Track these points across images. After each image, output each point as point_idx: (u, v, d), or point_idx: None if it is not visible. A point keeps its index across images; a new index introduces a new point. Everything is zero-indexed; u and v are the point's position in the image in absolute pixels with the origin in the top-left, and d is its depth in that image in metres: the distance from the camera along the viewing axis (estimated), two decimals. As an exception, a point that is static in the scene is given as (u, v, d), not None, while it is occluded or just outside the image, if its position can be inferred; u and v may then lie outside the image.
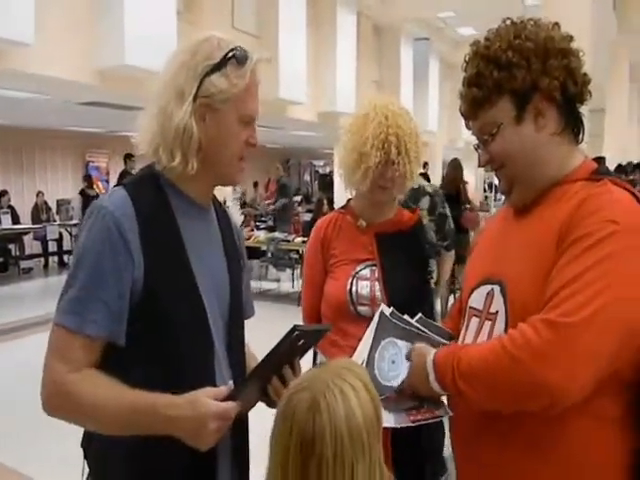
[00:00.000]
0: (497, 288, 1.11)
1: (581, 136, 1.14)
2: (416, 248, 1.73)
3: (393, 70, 13.37)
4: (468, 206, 6.31)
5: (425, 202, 3.24)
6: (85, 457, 1.16)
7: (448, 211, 3.36)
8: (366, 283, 1.62)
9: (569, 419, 1.00)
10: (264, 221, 10.71)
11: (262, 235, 8.17)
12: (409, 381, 1.19)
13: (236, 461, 1.21)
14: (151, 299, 1.07)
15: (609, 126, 11.67)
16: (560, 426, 1.01)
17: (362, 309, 1.60)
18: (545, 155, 1.10)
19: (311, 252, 1.78)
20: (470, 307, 1.20)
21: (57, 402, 1.05)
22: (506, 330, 1.07)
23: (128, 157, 9.27)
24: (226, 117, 1.13)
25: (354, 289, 1.62)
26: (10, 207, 10.37)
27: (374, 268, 1.64)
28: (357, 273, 1.64)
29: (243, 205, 11.70)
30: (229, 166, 1.18)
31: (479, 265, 1.24)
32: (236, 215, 9.69)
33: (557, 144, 1.11)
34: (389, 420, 1.19)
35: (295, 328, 1.01)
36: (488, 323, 1.13)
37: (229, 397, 1.02)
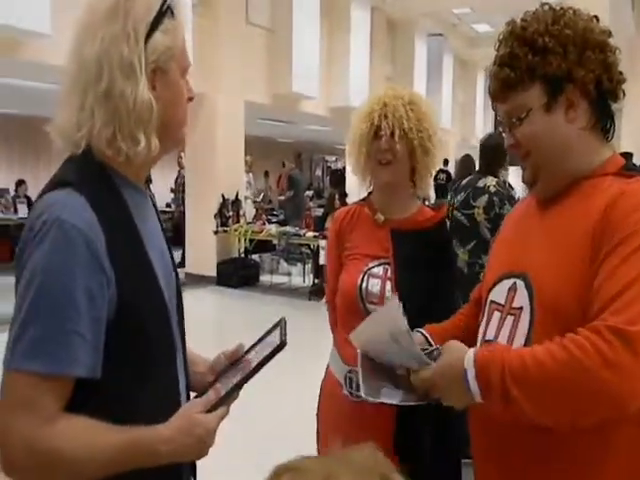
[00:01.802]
0: (521, 283, 1.08)
1: (611, 134, 1.11)
2: (436, 248, 1.63)
3: (406, 66, 13.31)
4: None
5: (483, 200, 3.31)
6: None
7: (506, 211, 3.36)
8: (377, 281, 1.57)
9: (614, 427, 0.97)
10: (275, 215, 10.74)
11: (274, 229, 8.19)
12: (434, 380, 1.06)
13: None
14: (126, 313, 0.93)
15: (627, 125, 11.54)
16: (605, 434, 0.97)
17: (371, 307, 1.54)
18: (572, 148, 1.08)
19: (329, 243, 1.76)
20: (491, 301, 1.16)
21: (31, 461, 0.86)
22: (531, 326, 1.03)
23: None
24: (174, 76, 1.00)
25: (364, 285, 1.57)
26: (27, 197, 10.49)
27: (387, 266, 1.57)
28: (369, 270, 1.58)
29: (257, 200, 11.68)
30: (180, 127, 1.06)
31: (501, 257, 1.20)
32: (249, 209, 9.72)
33: (586, 139, 1.08)
34: (394, 396, 1.16)
35: (279, 347, 0.99)
36: (510, 318, 1.09)
37: (217, 404, 0.98)
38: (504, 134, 1.15)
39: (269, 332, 1.07)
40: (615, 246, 0.95)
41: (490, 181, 3.39)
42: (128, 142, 0.95)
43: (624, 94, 1.11)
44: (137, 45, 0.93)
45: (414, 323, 1.41)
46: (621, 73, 1.09)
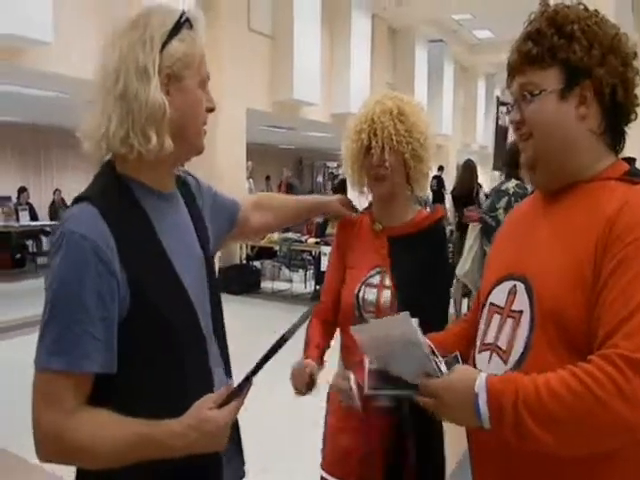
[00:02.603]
0: (521, 285, 1.07)
1: (619, 148, 1.11)
2: (431, 251, 1.62)
3: (407, 72, 13.35)
4: (471, 207, 6.30)
5: (503, 202, 3.69)
6: None
7: None
8: (373, 290, 1.58)
9: (625, 448, 0.97)
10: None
11: (275, 235, 8.20)
12: (440, 392, 1.03)
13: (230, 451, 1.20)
14: (142, 311, 1.01)
15: (628, 128, 11.55)
16: (615, 455, 0.97)
17: (368, 316, 1.55)
18: (577, 146, 1.07)
19: (332, 252, 1.76)
20: (491, 303, 1.15)
21: (56, 452, 0.98)
22: (531, 330, 1.02)
23: None
24: (189, 84, 1.07)
25: (361, 295, 1.58)
26: (28, 204, 10.52)
27: (384, 274, 1.58)
28: (367, 279, 1.59)
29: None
30: (198, 136, 1.13)
31: (501, 258, 1.19)
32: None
33: (591, 143, 1.07)
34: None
35: (284, 337, 1.01)
36: (510, 321, 1.08)
37: (229, 398, 1.01)
38: (511, 110, 1.14)
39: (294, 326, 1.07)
40: (621, 262, 0.94)
41: (511, 184, 3.79)
42: (140, 139, 1.02)
43: (636, 117, 1.10)
44: (152, 51, 1.01)
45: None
46: (637, 96, 1.09)
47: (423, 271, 1.57)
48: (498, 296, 1.13)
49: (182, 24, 1.06)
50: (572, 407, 0.88)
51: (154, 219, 1.08)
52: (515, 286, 1.09)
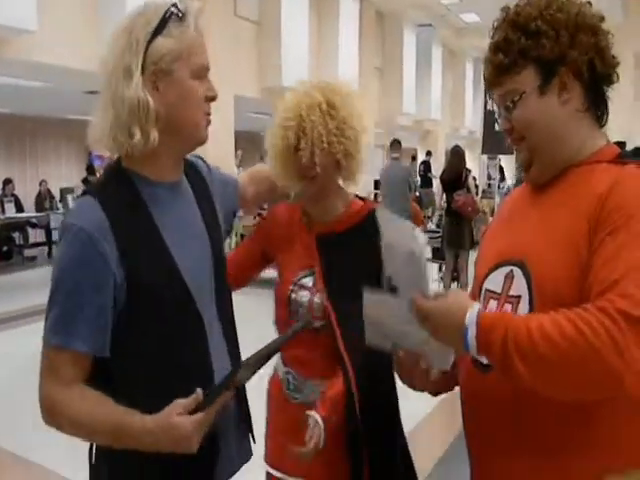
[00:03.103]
0: (518, 270, 1.08)
1: (605, 118, 1.13)
2: (366, 247, 1.42)
3: (395, 56, 13.29)
4: (460, 192, 6.31)
5: None
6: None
7: None
8: (306, 293, 1.48)
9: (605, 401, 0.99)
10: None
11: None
12: (433, 313, 1.01)
13: (240, 430, 1.29)
14: (138, 300, 1.09)
15: (614, 114, 11.59)
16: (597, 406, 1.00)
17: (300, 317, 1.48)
18: (567, 130, 1.09)
19: (253, 234, 1.67)
20: (486, 289, 1.15)
21: (50, 418, 1.09)
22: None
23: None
24: (180, 76, 1.10)
25: (293, 297, 1.49)
26: (14, 195, 10.40)
27: (315, 276, 1.48)
28: (299, 280, 1.50)
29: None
30: (196, 127, 1.15)
31: (495, 246, 1.19)
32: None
33: (579, 121, 1.09)
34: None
35: (268, 352, 1.06)
36: (508, 306, 1.09)
37: (199, 407, 1.03)
38: (499, 119, 1.16)
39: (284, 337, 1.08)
40: (614, 230, 0.95)
41: None
42: (125, 135, 1.08)
43: (618, 77, 1.11)
44: (137, 52, 1.07)
45: (350, 326, 1.34)
46: (614, 57, 1.10)
47: (358, 273, 1.42)
48: (494, 282, 1.14)
49: (167, 19, 1.08)
50: (564, 352, 0.89)
51: (154, 208, 1.13)
52: (512, 271, 1.09)
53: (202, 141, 1.18)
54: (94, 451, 1.19)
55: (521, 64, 1.08)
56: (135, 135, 1.07)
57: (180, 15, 1.10)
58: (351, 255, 1.47)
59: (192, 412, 1.02)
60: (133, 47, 1.07)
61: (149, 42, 1.07)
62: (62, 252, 1.08)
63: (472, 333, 0.96)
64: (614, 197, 0.98)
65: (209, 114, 1.18)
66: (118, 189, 1.12)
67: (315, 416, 1.36)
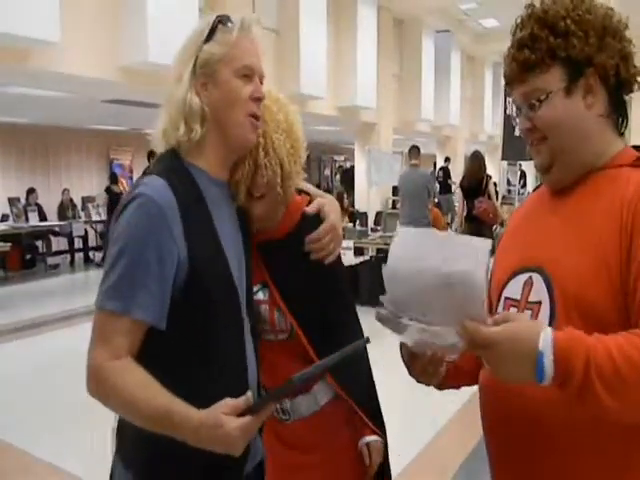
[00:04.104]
0: (537, 276, 1.06)
1: (624, 126, 1.12)
2: (306, 253, 1.39)
3: (414, 63, 13.27)
4: (482, 199, 6.26)
5: None
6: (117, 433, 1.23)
7: None
8: (264, 307, 1.40)
9: None
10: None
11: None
12: (499, 340, 0.89)
13: None
14: (195, 282, 1.12)
15: (632, 114, 11.45)
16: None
17: (266, 335, 1.41)
18: (591, 134, 1.07)
19: None
20: (506, 297, 1.13)
21: (95, 386, 1.08)
22: (552, 320, 1.00)
23: (151, 155, 9.34)
24: (223, 77, 1.19)
25: None
26: (37, 205, 10.57)
27: (268, 289, 1.41)
28: (254, 295, 1.40)
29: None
30: (239, 126, 1.21)
31: (512, 253, 1.17)
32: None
33: (603, 126, 1.08)
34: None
35: (324, 367, 1.03)
36: (528, 313, 1.06)
37: (247, 410, 1.01)
38: (517, 118, 1.13)
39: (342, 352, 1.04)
40: None
41: None
42: (173, 129, 1.18)
43: (638, 86, 1.10)
44: (189, 58, 1.19)
45: (317, 332, 1.36)
46: (635, 66, 1.08)
47: (309, 277, 1.39)
48: (512, 289, 1.12)
49: (215, 28, 1.20)
50: None
51: (209, 201, 1.19)
52: (531, 277, 1.07)
53: (247, 140, 1.23)
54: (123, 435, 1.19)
55: (548, 63, 1.05)
56: (180, 128, 1.17)
57: (226, 23, 1.21)
58: (297, 258, 1.39)
59: (240, 414, 1.00)
60: (186, 56, 1.20)
61: (199, 49, 1.19)
62: (130, 219, 1.10)
63: (549, 359, 0.87)
64: None
65: (255, 116, 1.22)
66: (182, 178, 1.17)
67: (368, 439, 1.36)
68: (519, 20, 1.10)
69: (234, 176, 1.30)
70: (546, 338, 0.88)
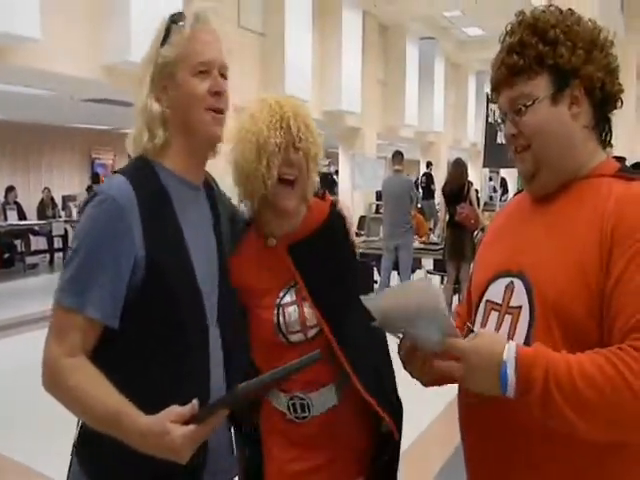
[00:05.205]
0: (518, 281, 1.07)
1: (609, 140, 1.13)
2: (335, 245, 1.46)
3: (398, 69, 13.35)
4: (463, 205, 6.30)
5: None
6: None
7: None
8: (293, 308, 1.40)
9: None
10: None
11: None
12: (468, 353, 0.97)
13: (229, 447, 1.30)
14: (153, 282, 1.11)
15: (616, 127, 11.62)
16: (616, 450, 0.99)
17: (294, 337, 1.41)
18: (575, 144, 1.08)
19: None
20: (487, 300, 1.14)
21: (49, 382, 1.08)
22: (531, 325, 1.03)
23: None
24: (179, 77, 1.17)
25: (281, 320, 1.40)
26: (16, 203, 10.42)
27: (297, 287, 1.41)
28: (281, 300, 1.41)
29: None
30: (201, 122, 1.19)
31: (493, 257, 1.18)
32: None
33: (587, 137, 1.09)
34: None
35: (274, 377, 1.02)
36: (508, 317, 1.08)
37: (192, 419, 1.00)
38: (503, 124, 1.14)
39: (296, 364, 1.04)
40: (633, 258, 0.95)
41: None
42: (137, 135, 1.19)
43: (622, 103, 1.12)
44: (148, 64, 1.20)
45: (342, 328, 1.36)
46: (619, 84, 1.11)
47: (336, 272, 1.43)
48: (494, 293, 1.13)
49: (169, 29, 1.18)
50: (604, 392, 0.89)
51: (176, 202, 1.18)
52: (512, 282, 1.09)
53: (211, 135, 1.20)
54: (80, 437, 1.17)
55: (536, 69, 1.07)
56: (144, 135, 1.18)
57: (178, 22, 1.18)
58: (323, 254, 1.44)
59: (186, 422, 0.99)
60: (145, 62, 1.20)
61: (157, 54, 1.18)
62: (88, 217, 1.11)
63: (511, 367, 0.93)
64: (627, 216, 0.98)
65: (217, 110, 1.19)
66: (146, 177, 1.17)
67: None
68: (509, 27, 1.12)
69: (262, 160, 1.34)
70: (510, 349, 0.95)
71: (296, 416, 1.43)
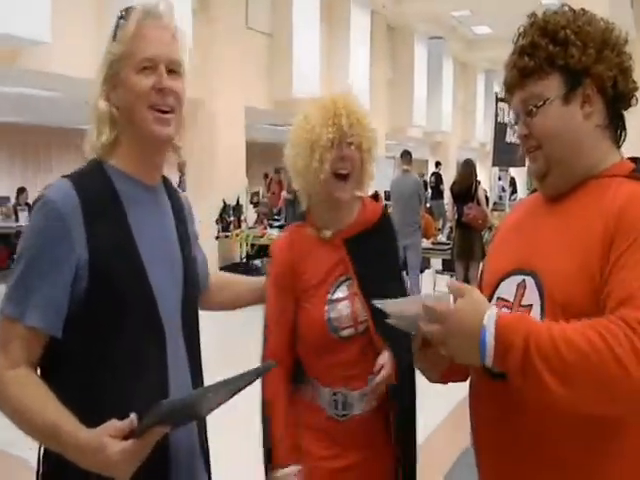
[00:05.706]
0: (530, 280, 1.07)
1: (622, 139, 1.13)
2: (387, 243, 1.54)
3: (407, 69, 13.34)
4: (471, 204, 6.29)
5: None
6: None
7: None
8: (345, 303, 1.44)
9: (615, 435, 0.99)
10: (277, 219, 10.76)
11: (275, 233, 8.19)
12: (447, 325, 0.97)
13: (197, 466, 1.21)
14: (98, 288, 1.06)
15: (629, 127, 11.57)
16: (605, 441, 1.00)
17: (345, 332, 1.43)
18: (587, 143, 1.09)
19: (278, 281, 1.49)
20: (498, 298, 1.14)
21: None
22: None
23: None
24: (125, 75, 1.13)
25: (332, 316, 1.43)
26: (27, 204, 10.50)
27: (350, 281, 1.45)
28: (332, 295, 1.44)
29: (256, 204, 11.73)
30: (143, 120, 1.13)
31: (506, 254, 1.19)
32: (250, 214, 9.74)
33: (600, 137, 1.10)
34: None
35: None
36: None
37: (131, 434, 0.95)
38: (515, 125, 1.15)
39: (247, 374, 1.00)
40: (630, 245, 0.96)
41: None
42: (88, 136, 1.18)
43: (637, 101, 1.12)
44: (104, 64, 1.16)
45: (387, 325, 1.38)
46: (634, 82, 1.11)
47: (387, 269, 1.51)
48: (506, 290, 1.13)
49: (117, 27, 1.16)
50: (587, 357, 0.88)
51: (129, 207, 1.14)
52: (524, 280, 1.09)
53: (153, 134, 1.14)
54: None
55: (547, 70, 1.08)
56: (92, 135, 1.16)
57: (126, 18, 1.15)
58: (377, 250, 1.50)
59: (126, 437, 0.94)
60: (101, 60, 1.17)
61: (109, 52, 1.16)
62: (31, 223, 1.09)
63: (491, 332, 0.92)
64: (630, 213, 0.98)
65: (161, 109, 1.14)
66: (94, 179, 1.13)
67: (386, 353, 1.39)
68: (521, 29, 1.13)
69: (315, 155, 1.39)
70: (491, 315, 0.94)
71: (336, 413, 1.45)
